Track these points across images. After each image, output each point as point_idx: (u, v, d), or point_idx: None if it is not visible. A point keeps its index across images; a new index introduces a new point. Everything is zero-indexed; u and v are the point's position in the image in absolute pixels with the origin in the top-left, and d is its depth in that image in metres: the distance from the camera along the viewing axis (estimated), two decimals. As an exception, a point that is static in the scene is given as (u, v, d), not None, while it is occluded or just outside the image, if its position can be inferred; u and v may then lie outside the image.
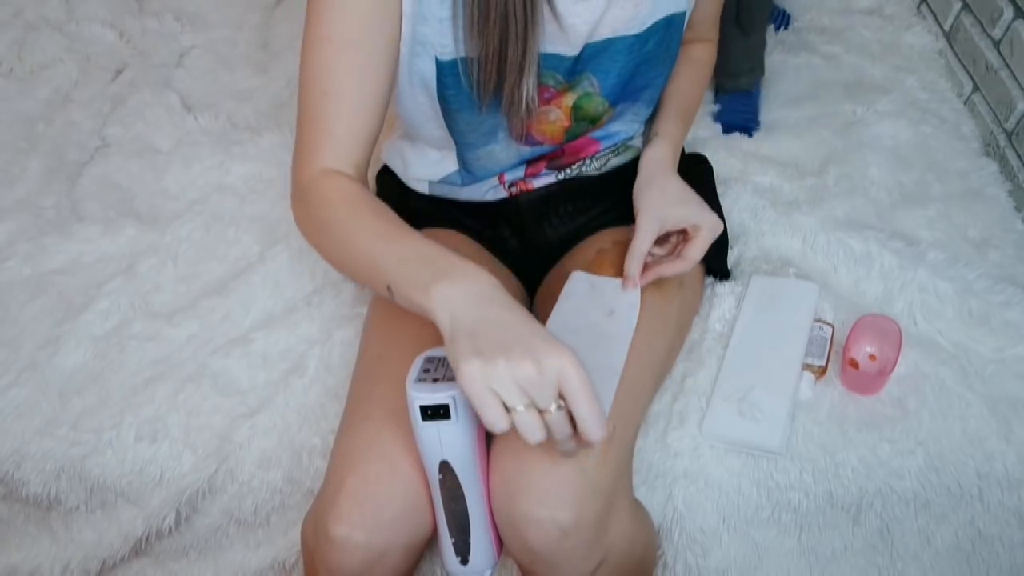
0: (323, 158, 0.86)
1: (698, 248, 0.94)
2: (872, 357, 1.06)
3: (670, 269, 0.94)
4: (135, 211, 1.33)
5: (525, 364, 0.68)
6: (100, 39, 1.64)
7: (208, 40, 1.66)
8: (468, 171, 1.03)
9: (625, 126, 1.06)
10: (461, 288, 0.73)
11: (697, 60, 1.10)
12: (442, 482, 0.80)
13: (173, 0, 1.74)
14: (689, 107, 1.08)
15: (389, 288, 0.79)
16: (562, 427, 0.70)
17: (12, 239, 1.28)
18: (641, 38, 0.92)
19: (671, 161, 1.01)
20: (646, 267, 0.95)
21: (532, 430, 0.69)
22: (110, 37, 1.64)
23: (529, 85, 0.86)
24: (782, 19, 1.64)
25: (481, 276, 0.75)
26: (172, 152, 1.41)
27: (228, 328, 1.16)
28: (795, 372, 1.03)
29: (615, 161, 1.09)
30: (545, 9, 0.84)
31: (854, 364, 1.04)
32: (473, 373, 0.68)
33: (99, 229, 1.28)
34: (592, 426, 0.69)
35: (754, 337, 1.07)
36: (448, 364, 0.78)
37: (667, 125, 1.03)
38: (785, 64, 1.53)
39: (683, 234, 0.97)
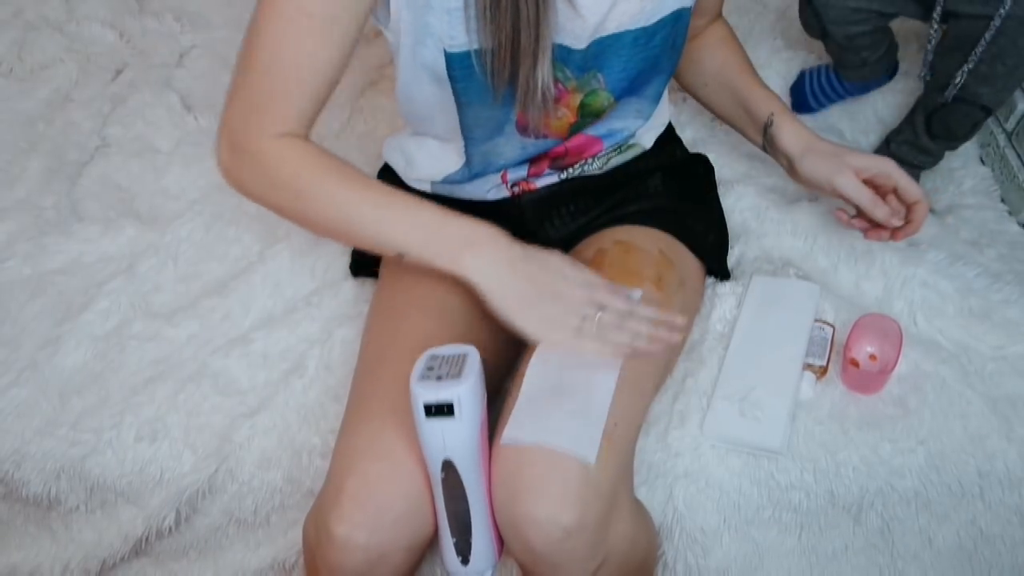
0: (282, 123, 0.88)
1: (911, 188, 0.98)
2: (873, 357, 1.06)
3: (919, 219, 0.99)
4: (135, 211, 1.33)
5: (563, 298, 0.86)
6: (100, 39, 1.64)
7: (208, 40, 1.65)
8: (473, 169, 1.02)
9: (628, 122, 1.06)
10: (488, 253, 0.87)
11: (727, 38, 1.13)
12: (444, 481, 0.80)
13: (173, 0, 1.74)
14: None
15: (400, 254, 0.88)
16: (615, 319, 0.86)
17: (12, 239, 1.28)
18: (648, 32, 0.92)
19: (805, 128, 1.05)
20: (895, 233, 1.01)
21: (602, 332, 0.85)
22: (110, 37, 1.64)
23: (543, 73, 0.86)
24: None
25: (493, 234, 0.87)
26: (172, 152, 1.41)
27: (228, 328, 1.16)
28: (796, 372, 1.03)
29: (616, 160, 1.09)
30: None
31: (855, 364, 1.04)
32: (537, 322, 0.86)
33: (99, 229, 1.28)
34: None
35: (755, 337, 1.07)
36: (452, 362, 0.79)
37: (774, 103, 1.07)
38: (781, 65, 1.53)
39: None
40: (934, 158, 1.28)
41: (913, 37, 1.44)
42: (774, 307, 1.09)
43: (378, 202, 0.88)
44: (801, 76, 1.43)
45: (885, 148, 1.31)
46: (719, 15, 1.14)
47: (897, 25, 1.29)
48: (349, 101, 1.47)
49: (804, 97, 1.41)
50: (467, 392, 0.77)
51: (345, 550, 0.81)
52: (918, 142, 1.25)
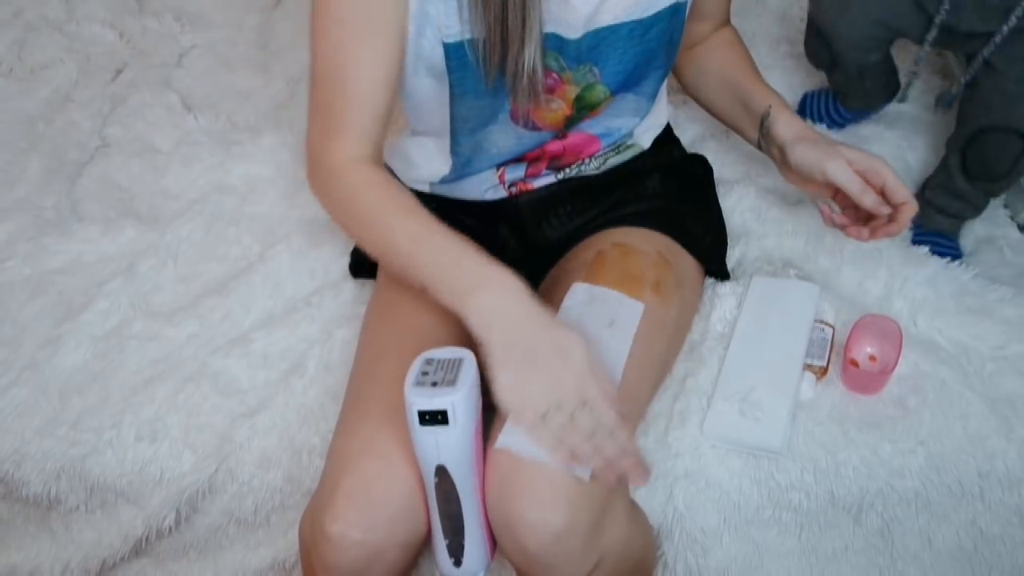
0: (344, 138, 0.90)
1: (899, 188, 0.95)
2: (872, 358, 1.06)
3: (904, 219, 0.96)
4: (135, 211, 1.33)
5: (552, 377, 0.79)
6: (100, 39, 1.64)
7: (208, 40, 1.65)
8: (463, 160, 1.02)
9: (625, 120, 1.05)
10: (494, 299, 0.82)
11: (734, 42, 1.12)
12: (438, 485, 0.80)
13: (173, 0, 1.74)
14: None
15: (423, 287, 0.86)
16: (587, 426, 0.79)
17: (12, 239, 1.28)
18: (643, 25, 0.92)
19: (802, 121, 1.03)
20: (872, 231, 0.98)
21: (562, 433, 0.78)
22: (110, 37, 1.64)
23: (530, 58, 0.86)
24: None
25: (509, 283, 0.83)
26: (172, 152, 1.41)
27: (228, 328, 1.16)
28: (796, 372, 1.02)
29: (614, 160, 1.09)
30: None
31: (855, 364, 1.04)
32: (508, 384, 0.79)
33: (99, 229, 1.28)
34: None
35: (755, 338, 1.06)
36: (447, 367, 0.79)
37: (773, 98, 1.05)
38: (783, 67, 1.53)
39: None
40: (974, 206, 1.19)
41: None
42: (774, 307, 1.09)
43: (412, 234, 0.87)
44: (804, 98, 1.40)
45: (920, 196, 1.21)
46: (726, 22, 1.13)
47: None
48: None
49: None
50: (462, 400, 0.76)
51: (340, 548, 0.81)
52: (952, 185, 1.17)
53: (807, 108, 1.39)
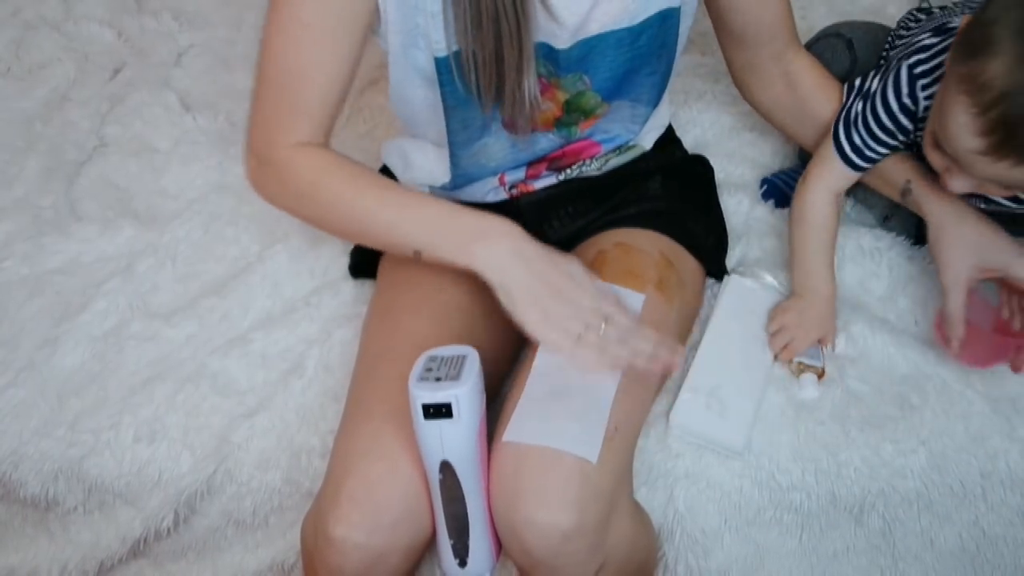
0: (297, 133, 0.90)
1: None
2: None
3: None
4: (133, 211, 1.32)
5: (572, 302, 0.84)
6: (98, 38, 1.63)
7: (207, 39, 1.65)
8: (461, 172, 1.02)
9: (624, 128, 1.05)
10: (500, 246, 0.85)
11: (825, 87, 1.05)
12: (442, 482, 0.80)
13: (171, -1, 1.73)
14: None
15: (417, 252, 0.87)
16: (616, 336, 0.84)
17: (10, 239, 1.28)
18: (633, 32, 0.92)
19: (949, 199, 0.97)
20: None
21: (603, 344, 0.84)
22: (108, 36, 1.64)
23: (530, 83, 0.87)
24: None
25: (508, 227, 0.86)
26: (170, 152, 1.40)
27: (227, 328, 1.15)
28: (763, 377, 1.02)
29: (615, 161, 1.08)
30: (536, 2, 0.84)
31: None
32: (539, 319, 0.84)
33: (97, 229, 1.28)
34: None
35: (726, 338, 1.06)
36: (451, 363, 0.79)
37: (900, 165, 1.01)
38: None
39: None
40: None
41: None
42: (744, 310, 1.08)
43: (392, 203, 0.89)
44: (770, 182, 1.24)
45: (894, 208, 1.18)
46: (793, 42, 1.05)
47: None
48: (349, 101, 1.46)
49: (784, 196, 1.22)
50: (466, 394, 0.77)
51: (344, 552, 0.81)
52: None
53: (783, 184, 1.25)
